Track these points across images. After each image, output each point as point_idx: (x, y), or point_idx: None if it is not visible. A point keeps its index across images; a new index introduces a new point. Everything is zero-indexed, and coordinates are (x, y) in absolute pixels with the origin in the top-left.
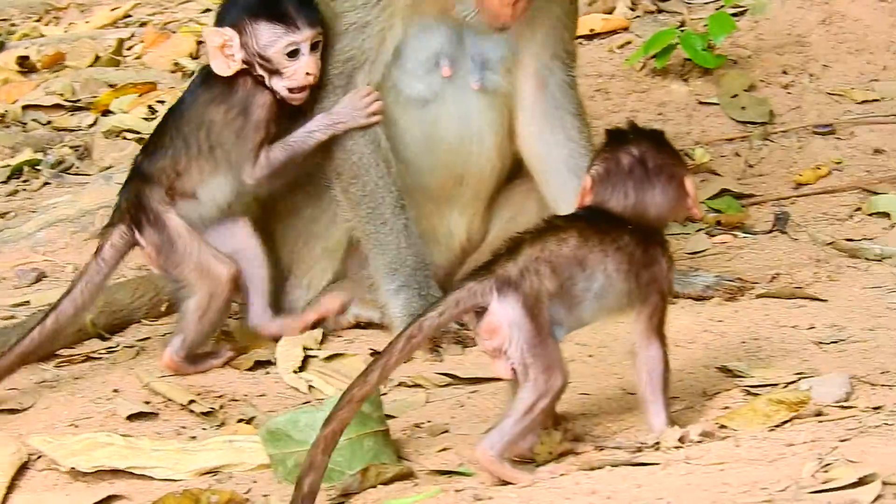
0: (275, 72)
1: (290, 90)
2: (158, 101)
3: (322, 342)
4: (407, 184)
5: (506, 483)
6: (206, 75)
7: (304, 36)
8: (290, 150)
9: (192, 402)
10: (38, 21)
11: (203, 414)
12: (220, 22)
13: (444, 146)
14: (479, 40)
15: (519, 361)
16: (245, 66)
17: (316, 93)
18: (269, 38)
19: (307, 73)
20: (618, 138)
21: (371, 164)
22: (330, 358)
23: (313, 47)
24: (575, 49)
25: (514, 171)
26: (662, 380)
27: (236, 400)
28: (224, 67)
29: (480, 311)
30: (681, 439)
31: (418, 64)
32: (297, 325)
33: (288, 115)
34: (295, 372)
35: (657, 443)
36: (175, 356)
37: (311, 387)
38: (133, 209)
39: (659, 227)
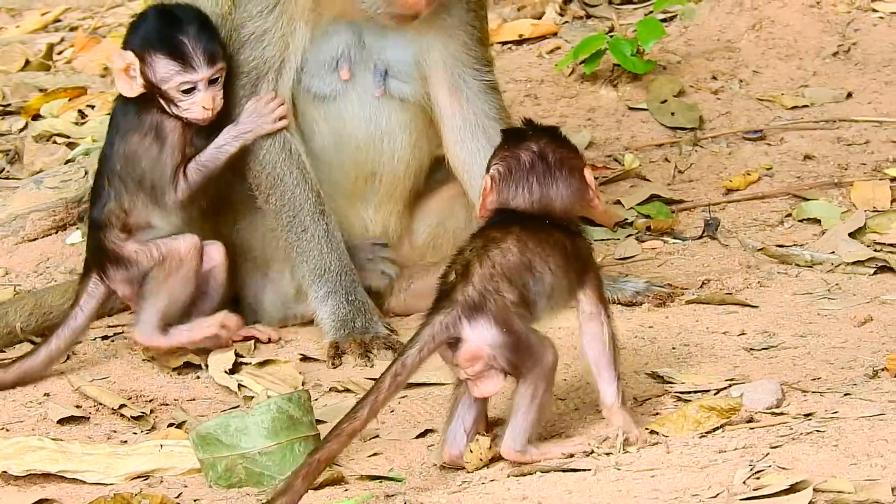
0: (172, 102)
1: (192, 118)
2: (89, 106)
3: (255, 349)
4: (320, 179)
5: (526, 472)
6: (120, 107)
7: (200, 75)
8: (204, 169)
9: (122, 406)
10: None
11: (134, 418)
12: (125, 45)
13: (352, 144)
14: (382, 48)
15: (510, 367)
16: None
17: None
18: (165, 73)
19: (204, 108)
20: (515, 136)
21: (285, 173)
22: (262, 364)
23: (212, 82)
24: (488, 54)
25: (444, 175)
26: (612, 351)
27: (167, 404)
28: (128, 88)
29: (453, 342)
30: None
31: (319, 66)
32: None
33: (205, 133)
34: (226, 373)
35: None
36: (144, 333)
37: (240, 385)
38: (95, 257)
39: (567, 219)
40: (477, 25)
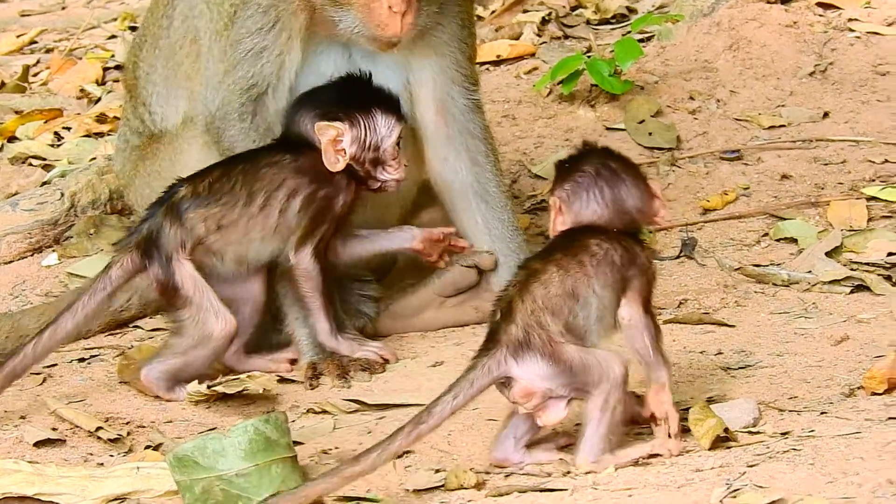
0: (382, 163)
1: (396, 181)
2: (65, 128)
3: (227, 373)
4: None
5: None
6: (295, 144)
7: (403, 126)
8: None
9: (99, 428)
10: None
11: (110, 440)
12: (328, 116)
13: None
14: (371, 69)
15: (573, 392)
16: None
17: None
18: (386, 129)
19: (405, 164)
20: (572, 159)
21: None
22: (234, 384)
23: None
24: (475, 72)
25: (425, 199)
26: (657, 341)
27: (143, 426)
28: (334, 162)
29: (505, 381)
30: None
31: (310, 87)
32: (269, 366)
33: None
34: (203, 400)
35: (567, 470)
36: (150, 376)
37: (216, 411)
38: (149, 242)
39: (634, 226)
40: (468, 42)
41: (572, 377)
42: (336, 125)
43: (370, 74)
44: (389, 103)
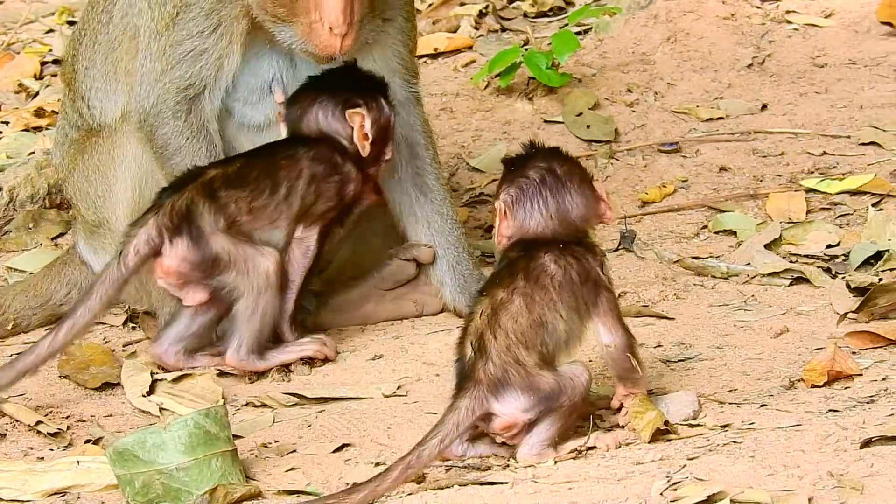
0: (386, 144)
1: (388, 161)
2: (2, 122)
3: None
4: None
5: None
6: (305, 139)
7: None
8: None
9: (39, 423)
10: None
11: (50, 435)
12: (351, 104)
13: None
14: (312, 68)
15: (548, 412)
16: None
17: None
18: (388, 109)
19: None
20: (518, 160)
21: None
22: (177, 379)
23: None
24: (416, 65)
25: None
26: (635, 357)
27: (84, 421)
28: (363, 147)
29: (485, 416)
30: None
31: (251, 91)
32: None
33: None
34: (144, 396)
35: (507, 463)
36: (237, 356)
37: (162, 409)
38: (178, 218)
39: (582, 233)
40: (410, 35)
41: (550, 402)
42: (360, 111)
43: (356, 61)
44: (383, 85)
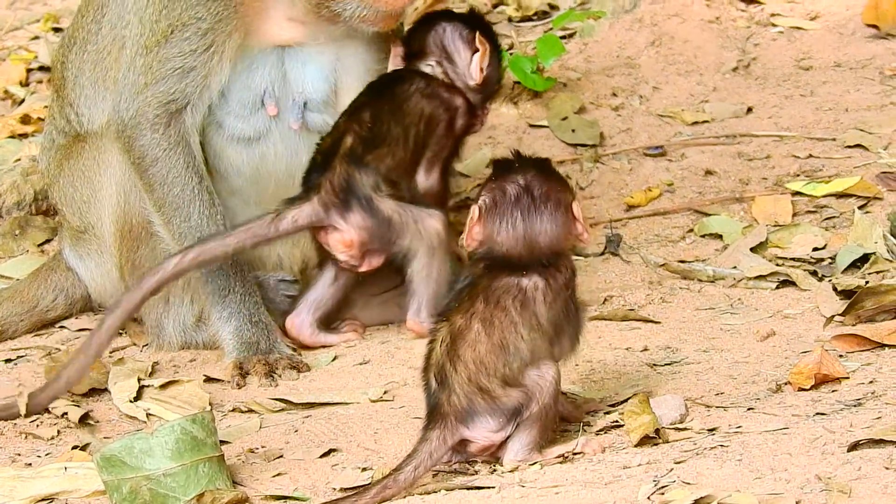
0: (489, 99)
1: (481, 125)
2: None
3: (152, 373)
4: (236, 214)
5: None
6: (423, 74)
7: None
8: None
9: (26, 429)
10: None
11: (38, 440)
12: (475, 33)
13: (272, 180)
14: (302, 79)
15: (523, 419)
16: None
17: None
18: (498, 70)
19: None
20: (504, 168)
21: (195, 196)
22: (164, 385)
23: None
24: None
25: None
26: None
27: (71, 427)
28: (476, 73)
29: (461, 442)
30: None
31: (243, 105)
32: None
33: None
34: (131, 401)
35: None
36: (417, 320)
37: (149, 415)
38: (344, 193)
39: (553, 255)
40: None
41: (520, 414)
42: (485, 42)
43: (482, 12)
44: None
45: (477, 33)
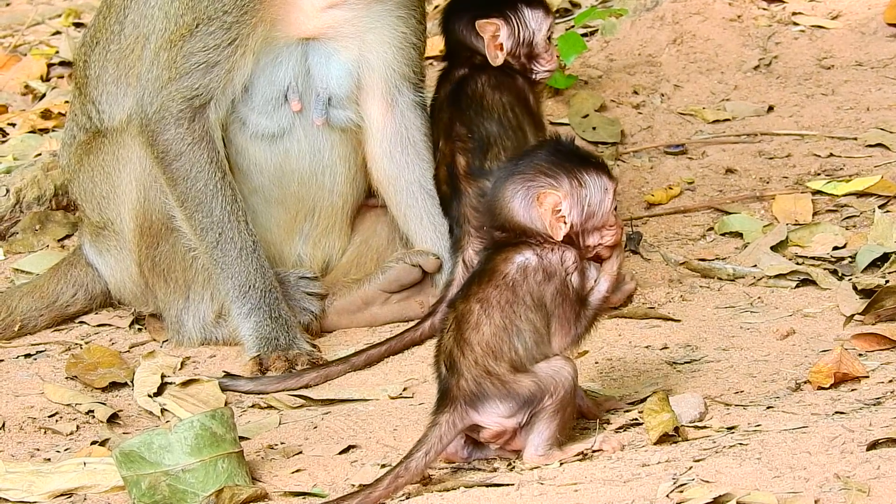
0: (536, 57)
1: (549, 72)
2: (10, 124)
3: (181, 368)
4: (257, 212)
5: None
6: (480, 67)
7: (552, 20)
8: None
9: (45, 424)
10: None
11: (57, 436)
12: (483, 14)
13: (295, 178)
14: (326, 74)
15: (535, 411)
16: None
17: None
18: (535, 23)
19: (557, 56)
20: (542, 147)
21: (217, 191)
22: (186, 383)
23: None
24: (424, 69)
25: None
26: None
27: (90, 422)
28: (494, 57)
29: (472, 428)
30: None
31: (266, 101)
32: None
33: None
34: (150, 396)
35: (511, 465)
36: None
37: (164, 410)
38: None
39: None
40: (422, 39)
41: (533, 404)
42: (493, 20)
43: None
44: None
45: (477, 22)
